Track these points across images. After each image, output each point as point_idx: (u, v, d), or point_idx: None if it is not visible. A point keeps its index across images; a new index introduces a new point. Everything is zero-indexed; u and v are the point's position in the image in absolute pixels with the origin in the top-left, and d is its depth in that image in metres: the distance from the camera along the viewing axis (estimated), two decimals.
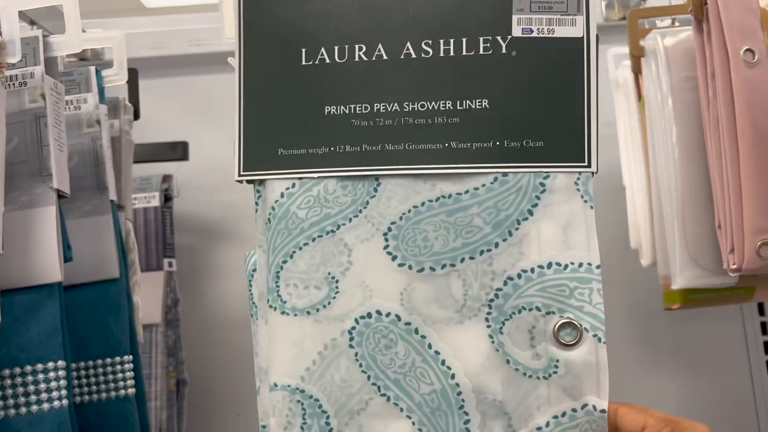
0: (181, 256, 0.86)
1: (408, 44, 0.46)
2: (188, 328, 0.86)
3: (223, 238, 0.95)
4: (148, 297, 0.68)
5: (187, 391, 0.83)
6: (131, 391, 0.56)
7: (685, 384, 0.93)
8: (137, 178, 0.77)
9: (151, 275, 0.78)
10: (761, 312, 0.97)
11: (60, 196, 0.47)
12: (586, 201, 0.44)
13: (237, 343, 0.93)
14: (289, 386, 0.45)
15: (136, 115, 0.70)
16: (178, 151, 0.82)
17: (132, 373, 0.56)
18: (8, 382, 0.43)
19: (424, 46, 0.46)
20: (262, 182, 0.48)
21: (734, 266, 0.63)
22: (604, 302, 0.43)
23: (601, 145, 0.45)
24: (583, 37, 0.45)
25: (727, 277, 0.68)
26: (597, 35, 0.45)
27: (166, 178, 0.84)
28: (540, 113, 0.45)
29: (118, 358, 0.56)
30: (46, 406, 0.43)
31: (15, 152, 0.46)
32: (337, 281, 0.46)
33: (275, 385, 0.45)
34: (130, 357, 0.57)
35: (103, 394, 0.55)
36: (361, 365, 0.45)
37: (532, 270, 0.44)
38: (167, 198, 0.83)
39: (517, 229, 0.44)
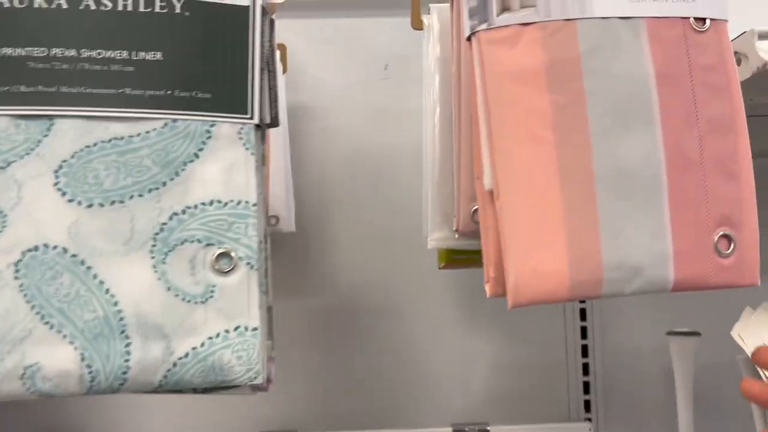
0: None
1: None
2: None
3: None
4: None
5: None
6: None
7: (502, 342, 0.96)
8: None
9: None
10: None
11: None
12: (247, 148, 0.50)
13: None
14: None
15: None
16: None
17: None
18: None
19: (104, 0, 0.50)
20: None
21: (455, 229, 0.72)
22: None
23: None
24: (249, 6, 0.51)
25: (466, 241, 0.71)
26: (263, 6, 0.52)
27: None
28: (209, 68, 0.50)
29: None
30: None
31: None
32: (5, 215, 0.47)
33: None
34: None
35: None
36: (25, 295, 0.47)
37: (196, 207, 0.49)
38: None
39: (183, 170, 0.49)
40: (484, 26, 0.51)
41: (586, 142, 0.50)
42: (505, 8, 0.51)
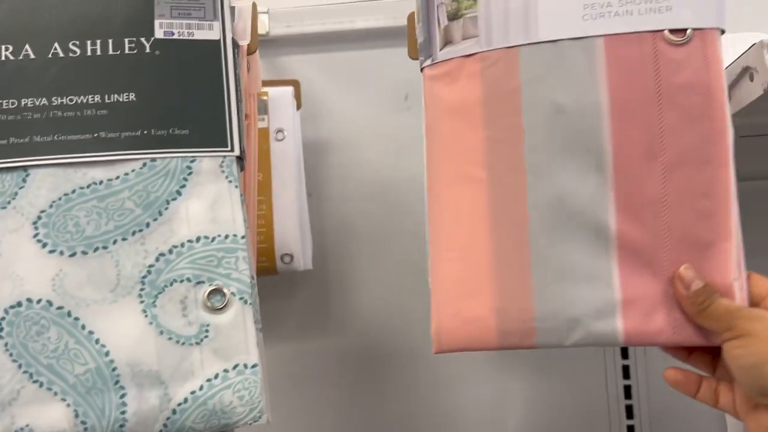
0: None
1: (56, 44, 0.49)
2: None
3: None
4: None
5: None
6: None
7: (536, 384, 0.88)
8: None
9: None
10: None
11: None
12: (230, 181, 0.48)
13: None
14: None
15: None
16: None
17: None
18: None
19: (71, 46, 0.49)
20: None
21: None
22: None
23: None
24: (220, 39, 0.50)
25: None
26: (233, 38, 0.50)
27: None
28: (185, 104, 0.49)
29: None
30: None
31: None
32: None
33: None
34: None
35: None
36: (11, 355, 0.45)
37: (182, 245, 0.47)
38: None
39: (166, 208, 0.47)
40: (428, 62, 0.49)
41: (521, 181, 0.45)
42: (447, 41, 0.48)
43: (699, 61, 0.44)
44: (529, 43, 0.46)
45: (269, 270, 0.74)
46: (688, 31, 0.44)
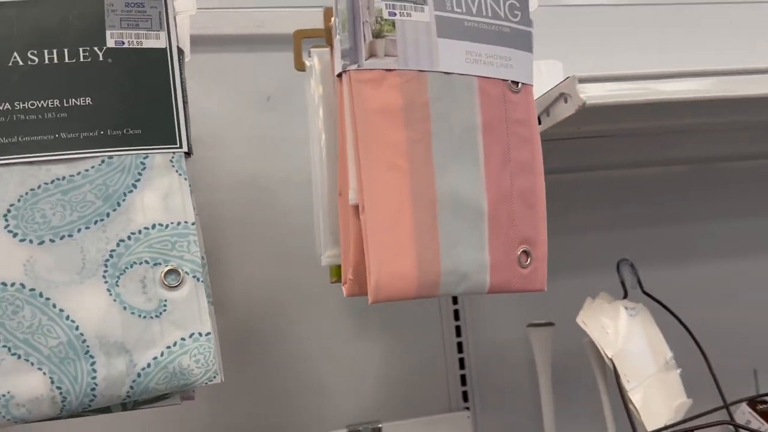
0: None
1: (15, 54, 0.54)
2: None
3: None
4: None
5: None
6: None
7: (388, 347, 1.03)
8: None
9: None
10: None
11: None
12: (180, 174, 0.56)
13: None
14: None
15: None
16: None
17: None
18: None
19: (30, 55, 0.54)
20: None
21: None
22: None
23: None
24: (166, 47, 0.57)
25: None
26: (178, 46, 0.57)
27: None
28: (137, 107, 0.56)
29: None
30: None
31: None
32: None
33: None
34: None
35: None
36: None
37: (140, 232, 0.54)
38: None
39: (124, 200, 0.54)
40: (354, 66, 0.58)
41: (431, 172, 0.59)
42: (372, 54, 0.58)
43: (525, 104, 0.63)
44: (432, 71, 0.59)
45: None
46: (520, 84, 0.63)
